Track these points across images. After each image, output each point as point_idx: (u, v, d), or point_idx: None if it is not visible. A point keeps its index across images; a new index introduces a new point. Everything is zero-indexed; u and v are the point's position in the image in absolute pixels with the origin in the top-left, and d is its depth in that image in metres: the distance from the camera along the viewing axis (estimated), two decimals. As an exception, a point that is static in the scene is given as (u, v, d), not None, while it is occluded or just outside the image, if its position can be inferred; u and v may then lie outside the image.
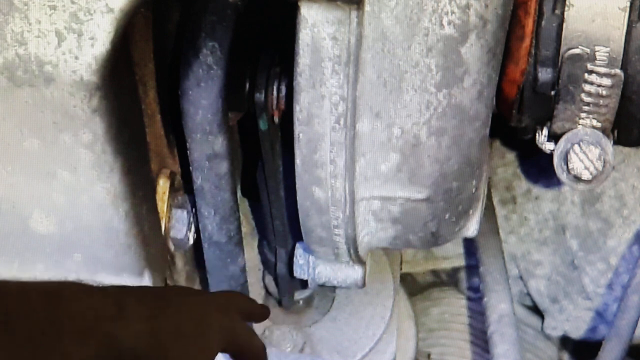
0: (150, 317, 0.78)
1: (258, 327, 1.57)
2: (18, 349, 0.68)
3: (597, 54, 1.12)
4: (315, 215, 1.23)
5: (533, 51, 1.14)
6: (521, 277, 1.93)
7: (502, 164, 1.92)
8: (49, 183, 1.16)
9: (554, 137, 1.20)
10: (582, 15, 1.12)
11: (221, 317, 0.87)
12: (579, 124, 1.18)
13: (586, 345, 1.90)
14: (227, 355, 0.89)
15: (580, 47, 1.13)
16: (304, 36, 1.07)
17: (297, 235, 1.37)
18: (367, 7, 1.04)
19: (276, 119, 1.28)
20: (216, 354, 0.85)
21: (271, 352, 1.55)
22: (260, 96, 1.26)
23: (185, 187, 1.34)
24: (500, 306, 1.70)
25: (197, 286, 1.56)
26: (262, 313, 1.03)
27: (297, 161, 1.17)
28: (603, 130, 1.18)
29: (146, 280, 1.35)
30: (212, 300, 0.89)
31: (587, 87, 1.14)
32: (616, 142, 1.22)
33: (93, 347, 0.73)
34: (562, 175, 1.20)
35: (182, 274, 1.49)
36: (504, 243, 1.86)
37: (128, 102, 1.17)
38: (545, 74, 1.15)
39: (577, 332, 1.91)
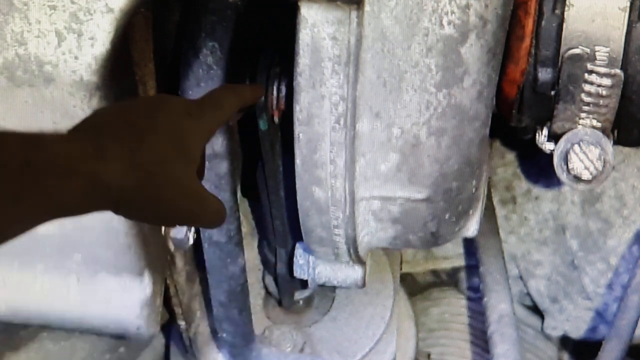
0: (130, 151, 0.78)
1: (258, 328, 1.57)
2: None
3: (597, 54, 1.12)
4: (315, 215, 1.23)
5: (533, 51, 1.14)
6: (521, 277, 1.93)
7: (502, 164, 1.92)
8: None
9: (554, 137, 1.20)
10: (582, 15, 1.12)
11: (197, 124, 0.89)
12: (579, 124, 1.18)
13: (586, 345, 1.90)
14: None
15: (580, 47, 1.13)
16: (304, 36, 1.07)
17: (297, 235, 1.37)
18: (367, 7, 1.04)
19: (276, 119, 1.28)
20: (200, 159, 0.88)
21: (271, 352, 1.55)
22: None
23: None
24: (500, 306, 1.70)
25: (197, 286, 1.57)
26: (252, 94, 1.06)
27: (297, 161, 1.17)
28: (603, 130, 1.18)
29: (146, 280, 1.35)
30: (185, 110, 0.89)
31: (587, 87, 1.14)
32: (616, 142, 1.22)
33: (77, 185, 0.73)
34: (562, 175, 1.20)
35: (182, 274, 1.50)
36: (504, 243, 1.86)
37: (128, 102, 1.17)
38: (545, 74, 1.15)
39: (577, 332, 1.91)
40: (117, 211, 0.79)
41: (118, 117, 0.83)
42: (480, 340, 1.86)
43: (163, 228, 1.35)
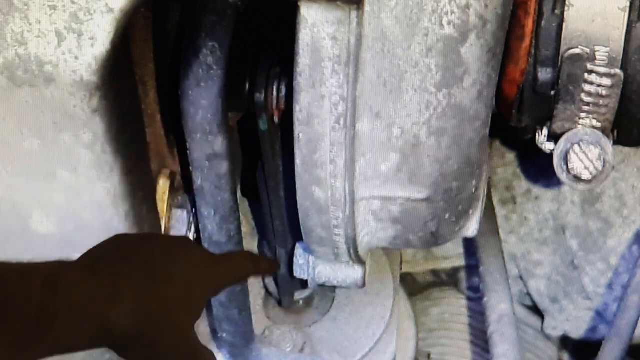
0: (142, 296, 0.81)
1: (258, 328, 1.57)
2: (13, 334, 0.71)
3: (597, 54, 1.12)
4: (315, 215, 1.23)
5: (533, 51, 1.14)
6: (521, 277, 1.93)
7: (502, 164, 1.92)
8: (49, 183, 1.16)
9: (554, 137, 1.20)
10: (582, 15, 1.12)
11: (209, 277, 0.91)
12: (579, 124, 1.18)
13: (586, 345, 1.90)
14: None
15: (580, 47, 1.13)
16: (304, 36, 1.07)
17: (297, 235, 1.37)
18: (367, 7, 1.04)
19: (276, 119, 1.28)
20: (203, 309, 0.90)
21: (271, 352, 1.55)
22: (260, 96, 1.26)
23: (185, 187, 1.34)
24: (500, 306, 1.70)
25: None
26: (269, 268, 1.10)
27: (297, 161, 1.17)
28: (603, 130, 1.18)
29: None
30: (202, 261, 0.92)
31: (587, 87, 1.14)
32: (616, 142, 1.22)
33: (87, 331, 0.76)
34: (562, 175, 1.20)
35: (182, 274, 1.49)
36: (504, 243, 1.86)
37: (128, 102, 1.17)
38: (545, 74, 1.15)
39: (577, 332, 1.91)
40: (116, 350, 0.81)
41: (137, 253, 0.86)
42: (480, 340, 1.86)
43: (163, 228, 1.34)
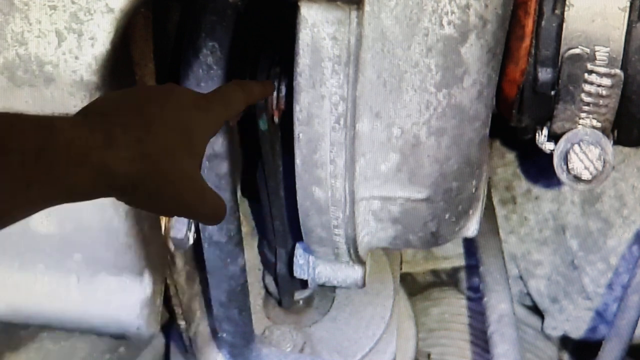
0: (137, 141, 0.79)
1: (258, 328, 1.57)
2: (12, 172, 0.70)
3: (597, 54, 1.12)
4: (315, 215, 1.23)
5: (533, 51, 1.14)
6: (521, 277, 1.93)
7: (502, 164, 1.92)
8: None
9: (554, 137, 1.20)
10: (582, 15, 1.12)
11: (204, 117, 0.90)
12: (579, 124, 1.18)
13: (586, 345, 1.90)
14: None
15: (580, 47, 1.13)
16: (304, 36, 1.07)
17: (297, 235, 1.37)
18: (367, 7, 1.04)
19: (276, 119, 1.28)
20: (204, 152, 0.89)
21: (271, 352, 1.55)
22: (260, 96, 1.26)
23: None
24: (500, 306, 1.70)
25: (197, 286, 1.57)
26: (261, 91, 1.07)
27: (297, 161, 1.17)
28: (603, 130, 1.18)
29: (146, 280, 1.35)
30: (193, 102, 0.91)
31: (587, 87, 1.14)
32: (616, 142, 1.22)
33: (87, 173, 0.75)
34: (562, 175, 1.20)
35: (182, 274, 1.50)
36: (504, 243, 1.86)
37: (128, 102, 1.17)
38: (545, 74, 1.15)
39: (577, 332, 1.91)
40: (121, 198, 0.80)
41: (127, 104, 0.84)
42: (480, 340, 1.86)
43: (163, 228, 1.35)
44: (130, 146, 0.78)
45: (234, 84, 1.01)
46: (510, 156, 1.92)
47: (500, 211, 1.92)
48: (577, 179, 1.19)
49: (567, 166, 1.19)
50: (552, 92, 1.16)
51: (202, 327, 1.59)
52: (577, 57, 1.13)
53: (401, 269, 1.81)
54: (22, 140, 0.71)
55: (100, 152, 0.76)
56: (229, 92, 0.98)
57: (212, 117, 0.91)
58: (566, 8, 1.12)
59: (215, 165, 1.22)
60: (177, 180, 0.83)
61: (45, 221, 1.24)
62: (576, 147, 1.18)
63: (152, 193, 0.81)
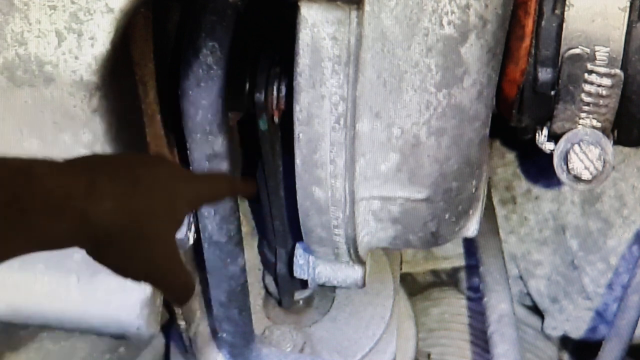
0: (122, 194, 0.77)
1: (258, 328, 1.57)
2: None
3: (597, 54, 1.12)
4: (315, 215, 1.23)
5: (533, 51, 1.14)
6: (521, 277, 1.93)
7: (502, 164, 1.92)
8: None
9: (554, 137, 1.20)
10: (582, 15, 1.12)
11: (188, 189, 0.89)
12: (579, 124, 1.18)
13: (586, 345, 1.90)
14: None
15: (580, 47, 1.13)
16: (304, 36, 1.07)
17: (297, 235, 1.37)
18: (367, 7, 1.04)
19: (276, 119, 1.28)
20: (182, 222, 0.87)
21: (271, 352, 1.55)
22: (260, 96, 1.26)
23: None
24: (500, 306, 1.70)
25: (197, 286, 1.57)
26: (245, 188, 1.07)
27: (297, 161, 1.17)
28: (603, 130, 1.18)
29: (146, 280, 1.35)
30: (180, 173, 0.91)
31: (587, 87, 1.14)
32: (616, 142, 1.22)
33: (64, 222, 0.72)
34: (562, 175, 1.20)
35: (182, 274, 1.49)
36: (504, 243, 1.86)
37: (128, 102, 1.17)
38: (545, 74, 1.15)
39: (577, 332, 1.91)
40: (93, 252, 0.78)
41: (117, 160, 0.84)
42: (480, 340, 1.86)
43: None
44: (115, 197, 0.76)
45: (223, 176, 1.03)
46: (510, 156, 1.92)
47: (500, 211, 1.92)
48: (577, 179, 1.19)
49: (567, 166, 1.19)
50: (552, 92, 1.16)
51: (202, 327, 1.59)
52: (577, 57, 1.13)
53: (401, 269, 1.81)
54: None
55: (82, 201, 0.73)
56: (216, 180, 0.99)
57: (196, 192, 0.91)
58: (566, 8, 1.12)
59: (215, 165, 1.22)
60: (155, 245, 0.81)
61: (45, 221, 1.24)
62: (576, 147, 1.18)
63: (126, 251, 0.79)
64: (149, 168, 0.85)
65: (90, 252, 0.78)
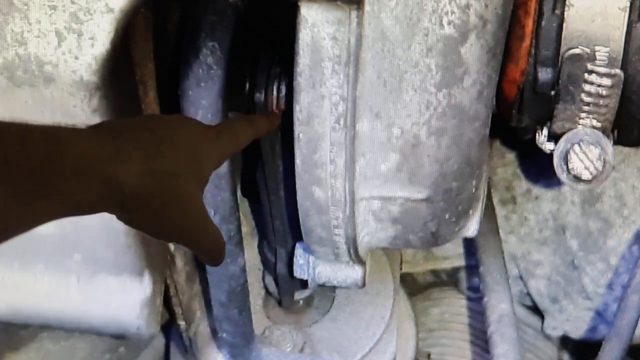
0: (147, 157, 0.78)
1: (258, 328, 1.57)
2: (18, 185, 0.68)
3: (597, 54, 1.12)
4: (315, 215, 1.23)
5: (533, 51, 1.14)
6: (521, 277, 1.93)
7: (502, 164, 1.92)
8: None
9: (554, 137, 1.20)
10: (582, 15, 1.12)
11: (212, 147, 0.90)
12: (579, 124, 1.18)
13: (586, 345, 1.90)
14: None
15: (580, 47, 1.13)
16: (304, 36, 1.07)
17: (297, 235, 1.37)
18: (367, 7, 1.04)
19: (276, 119, 1.28)
20: (207, 181, 0.89)
21: (271, 352, 1.55)
22: (260, 96, 1.26)
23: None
24: (500, 306, 1.70)
25: (196, 286, 1.57)
26: (268, 124, 1.09)
27: (297, 161, 1.17)
28: (603, 130, 1.18)
29: (146, 280, 1.35)
30: (202, 132, 0.91)
31: (587, 87, 1.14)
32: (616, 142, 1.22)
33: (94, 187, 0.73)
34: (562, 175, 1.20)
35: (182, 274, 1.50)
36: (504, 243, 1.86)
37: (128, 102, 1.17)
38: (545, 74, 1.15)
39: (577, 332, 1.91)
40: (122, 215, 0.78)
41: (140, 123, 0.84)
42: (480, 340, 1.86)
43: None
44: (140, 161, 0.77)
45: (243, 118, 1.02)
46: (510, 156, 1.92)
47: (500, 211, 1.92)
48: (577, 179, 1.19)
49: (567, 166, 1.19)
50: (552, 92, 1.16)
51: (202, 327, 1.59)
52: (577, 57, 1.13)
53: (401, 269, 1.81)
54: (28, 153, 0.69)
55: (110, 164, 0.75)
56: (237, 126, 0.99)
57: (220, 148, 0.92)
58: (566, 8, 1.12)
59: (215, 165, 1.22)
60: (182, 205, 0.82)
61: (45, 221, 1.24)
62: (576, 147, 1.18)
63: (156, 212, 0.80)
64: (171, 129, 0.85)
65: (119, 216, 0.79)
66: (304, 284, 1.56)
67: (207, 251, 0.89)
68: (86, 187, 0.73)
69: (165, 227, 0.82)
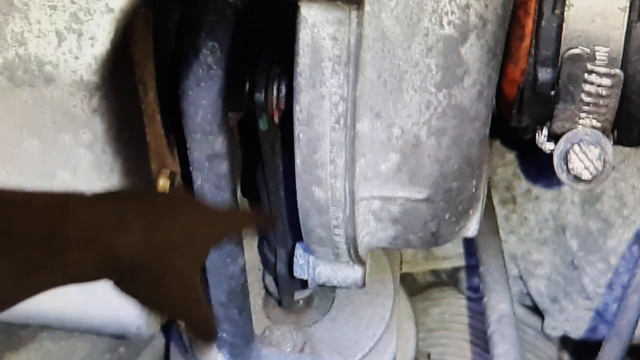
0: (147, 228, 0.80)
1: (258, 328, 1.57)
2: (20, 256, 0.69)
3: (597, 54, 1.12)
4: (315, 215, 1.23)
5: (533, 51, 1.14)
6: (521, 277, 1.93)
7: (502, 164, 1.92)
8: (48, 183, 1.16)
9: (554, 137, 1.20)
10: (582, 15, 1.12)
11: (212, 227, 0.91)
12: (579, 124, 1.18)
13: (586, 345, 1.90)
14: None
15: (580, 47, 1.13)
16: (304, 36, 1.07)
17: (297, 235, 1.37)
18: (367, 7, 1.04)
19: (276, 119, 1.28)
20: (204, 262, 0.91)
21: (271, 352, 1.55)
22: (260, 96, 1.26)
23: (185, 187, 1.34)
24: (500, 306, 1.70)
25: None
26: (264, 220, 1.13)
27: (297, 161, 1.17)
28: (603, 130, 1.18)
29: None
30: (203, 211, 0.93)
31: (587, 87, 1.14)
32: (616, 142, 1.22)
33: (94, 257, 0.74)
34: (562, 175, 1.20)
35: (182, 274, 1.49)
36: (504, 243, 1.86)
37: (128, 102, 1.17)
38: (545, 74, 1.15)
39: (577, 332, 1.91)
40: (119, 284, 0.80)
41: (142, 196, 0.86)
42: (480, 340, 1.86)
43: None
44: (140, 230, 0.79)
45: (244, 212, 1.03)
46: (510, 156, 1.92)
47: (500, 211, 1.92)
48: (577, 179, 1.19)
49: (567, 166, 1.19)
50: (552, 92, 1.16)
51: (202, 327, 1.59)
52: (577, 57, 1.13)
53: (401, 269, 1.81)
54: (32, 225, 0.70)
55: (110, 233, 0.76)
56: (236, 214, 1.03)
57: (217, 230, 0.93)
58: (566, 8, 1.12)
59: (215, 165, 1.22)
60: (178, 279, 0.83)
61: (45, 221, 1.24)
62: (576, 147, 1.18)
63: (152, 283, 0.81)
64: (173, 206, 0.87)
65: (116, 284, 0.80)
66: (304, 284, 1.56)
67: (199, 328, 0.90)
68: (86, 257, 0.74)
69: (156, 299, 0.83)
